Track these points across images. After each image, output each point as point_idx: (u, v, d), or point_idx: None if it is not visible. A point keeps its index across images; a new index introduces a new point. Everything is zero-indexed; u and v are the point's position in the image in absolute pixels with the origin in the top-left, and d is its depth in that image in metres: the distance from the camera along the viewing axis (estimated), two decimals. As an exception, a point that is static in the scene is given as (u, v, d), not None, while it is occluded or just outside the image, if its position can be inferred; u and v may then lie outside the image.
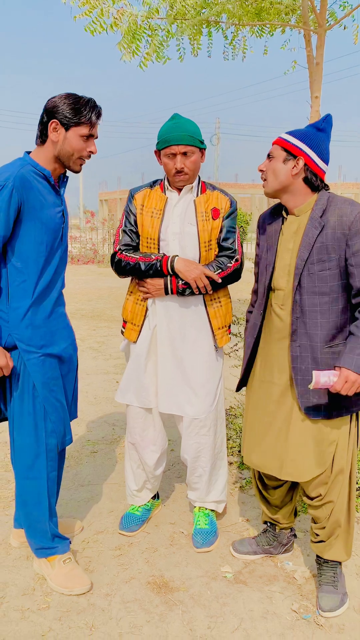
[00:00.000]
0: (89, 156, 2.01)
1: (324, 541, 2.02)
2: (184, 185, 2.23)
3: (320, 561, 2.07)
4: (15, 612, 1.94)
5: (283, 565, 2.23)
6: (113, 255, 2.30)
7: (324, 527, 2.00)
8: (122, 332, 2.38)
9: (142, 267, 2.20)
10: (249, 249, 16.54)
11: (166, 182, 2.28)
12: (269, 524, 2.27)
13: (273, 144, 1.93)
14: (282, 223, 1.98)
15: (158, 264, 2.18)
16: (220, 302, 2.31)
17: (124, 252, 2.26)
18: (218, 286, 2.24)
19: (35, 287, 1.95)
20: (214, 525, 2.41)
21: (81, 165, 2.01)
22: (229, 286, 2.36)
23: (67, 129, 1.92)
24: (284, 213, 1.99)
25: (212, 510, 2.47)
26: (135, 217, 2.27)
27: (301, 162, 1.85)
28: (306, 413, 1.89)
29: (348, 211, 1.80)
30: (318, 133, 1.88)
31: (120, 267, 2.27)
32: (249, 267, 2.97)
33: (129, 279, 2.38)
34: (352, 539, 2.03)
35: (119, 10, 3.99)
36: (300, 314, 1.88)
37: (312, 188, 1.89)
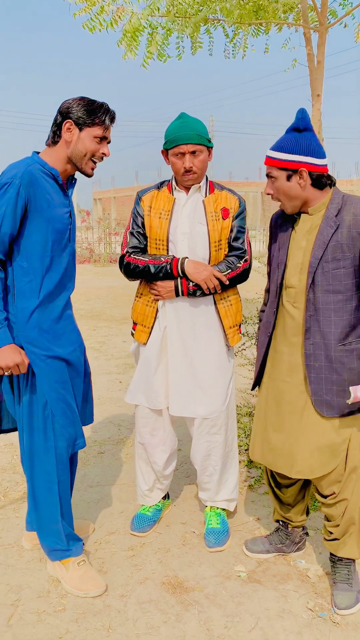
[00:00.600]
0: (102, 158, 2.01)
1: (337, 539, 2.03)
2: (192, 185, 2.22)
3: (334, 559, 2.07)
4: (32, 615, 1.94)
5: (296, 564, 2.24)
6: (121, 258, 2.29)
7: (338, 525, 2.00)
8: (132, 334, 2.38)
9: (152, 269, 2.19)
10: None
11: (174, 183, 2.28)
12: (281, 523, 2.27)
13: (267, 164, 1.90)
14: (295, 222, 1.98)
15: (168, 266, 2.18)
16: (230, 301, 2.31)
17: (132, 255, 2.26)
18: (227, 286, 2.25)
19: (42, 288, 1.95)
20: (226, 524, 2.41)
21: (93, 168, 2.01)
22: (237, 285, 2.36)
23: (81, 130, 1.92)
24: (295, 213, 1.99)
25: (224, 509, 2.47)
26: (143, 219, 2.27)
27: (305, 174, 1.84)
28: (319, 411, 1.90)
29: None
30: (303, 134, 1.85)
31: (129, 270, 2.26)
32: (254, 266, 2.97)
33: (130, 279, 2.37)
34: (366, 537, 2.04)
35: (119, 8, 3.97)
36: (314, 312, 1.88)
37: (322, 187, 1.90)
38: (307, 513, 2.28)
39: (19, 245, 1.92)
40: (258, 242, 15.69)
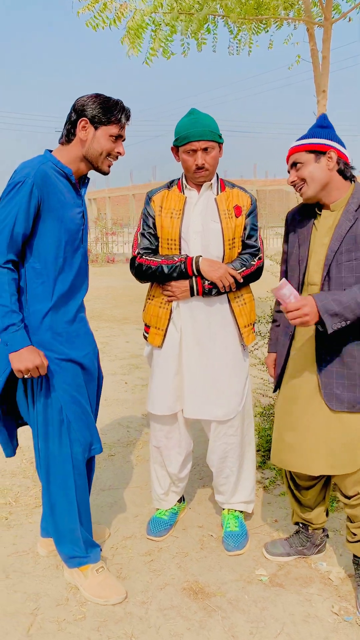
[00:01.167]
0: (117, 157, 1.96)
1: (361, 541, 1.99)
2: (204, 182, 2.18)
3: (357, 561, 2.04)
4: (52, 624, 1.89)
5: (317, 566, 2.20)
6: (132, 260, 2.24)
7: (362, 527, 1.97)
8: (145, 338, 2.33)
9: (166, 270, 2.15)
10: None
11: (184, 181, 2.24)
12: (301, 525, 2.24)
13: (293, 153, 1.92)
14: (315, 218, 1.97)
15: (182, 265, 2.13)
16: (244, 299, 2.27)
17: (144, 256, 2.21)
18: (241, 284, 2.21)
19: (54, 290, 1.90)
20: (244, 527, 2.37)
21: (109, 166, 1.97)
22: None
23: (96, 128, 1.87)
24: (316, 209, 1.97)
25: (241, 512, 2.43)
26: (154, 219, 2.22)
27: (334, 155, 1.86)
28: (328, 404, 1.88)
29: None
30: (327, 129, 1.91)
31: (141, 272, 2.21)
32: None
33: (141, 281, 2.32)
34: (390, 538, 2.01)
35: (122, 5, 3.93)
36: None
37: (345, 177, 1.91)
38: (327, 514, 2.24)
39: (31, 246, 1.87)
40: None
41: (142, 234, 2.25)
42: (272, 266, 3.02)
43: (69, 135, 1.91)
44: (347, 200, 1.87)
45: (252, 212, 2.25)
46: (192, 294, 2.16)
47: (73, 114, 1.89)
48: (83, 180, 2.03)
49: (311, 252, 1.94)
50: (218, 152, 2.17)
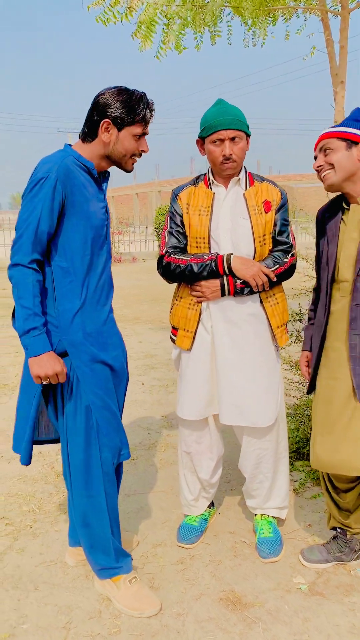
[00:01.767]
0: (141, 155, 1.89)
1: None
2: (231, 175, 2.10)
3: None
4: (85, 638, 1.82)
5: (356, 573, 2.12)
6: (160, 259, 2.17)
7: None
8: (173, 341, 2.25)
9: (195, 268, 2.07)
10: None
11: (210, 176, 2.16)
12: (339, 530, 2.16)
13: (325, 139, 1.89)
14: (343, 213, 1.92)
15: (213, 263, 2.05)
16: (276, 299, 2.19)
17: (172, 255, 2.13)
18: (274, 283, 2.13)
19: (83, 288, 1.83)
20: (278, 533, 2.29)
21: (133, 164, 1.90)
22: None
23: (119, 130, 1.79)
24: (344, 204, 1.93)
25: (275, 517, 2.35)
26: (182, 217, 2.14)
27: None
28: None
29: None
30: None
31: (169, 271, 2.13)
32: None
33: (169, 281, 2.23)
34: None
35: (133, -1, 3.84)
36: None
37: None
38: (365, 519, 2.16)
39: (57, 244, 1.80)
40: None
41: (170, 232, 2.17)
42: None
43: (90, 134, 1.82)
44: None
45: (283, 207, 2.17)
46: (222, 294, 2.08)
47: (95, 115, 1.80)
48: (104, 175, 1.95)
49: (340, 248, 1.89)
50: (246, 145, 2.09)
